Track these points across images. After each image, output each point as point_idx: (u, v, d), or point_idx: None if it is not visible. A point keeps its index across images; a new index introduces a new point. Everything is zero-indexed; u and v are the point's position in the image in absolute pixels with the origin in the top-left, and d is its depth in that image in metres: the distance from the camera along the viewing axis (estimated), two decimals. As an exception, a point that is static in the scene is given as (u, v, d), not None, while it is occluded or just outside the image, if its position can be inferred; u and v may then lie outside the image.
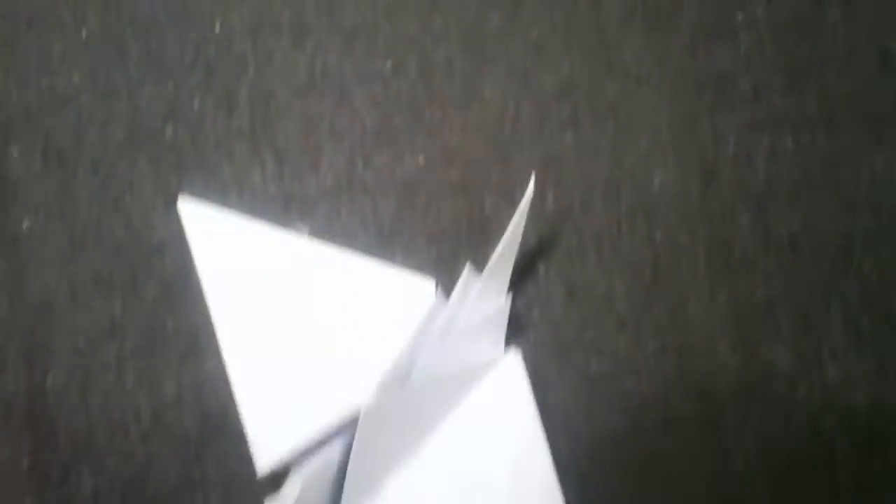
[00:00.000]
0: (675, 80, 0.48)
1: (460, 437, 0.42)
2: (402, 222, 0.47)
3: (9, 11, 0.49)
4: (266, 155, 0.48)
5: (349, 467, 0.37)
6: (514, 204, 0.41)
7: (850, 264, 0.46)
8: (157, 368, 0.46)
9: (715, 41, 0.48)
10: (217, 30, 0.49)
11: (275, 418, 0.41)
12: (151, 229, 0.47)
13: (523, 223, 0.41)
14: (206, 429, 0.45)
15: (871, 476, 0.44)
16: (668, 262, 0.46)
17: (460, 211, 0.47)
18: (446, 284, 0.43)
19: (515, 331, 0.45)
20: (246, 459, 0.42)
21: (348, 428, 0.40)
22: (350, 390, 0.40)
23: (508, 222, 0.40)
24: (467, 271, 0.42)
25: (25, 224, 0.47)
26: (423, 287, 0.43)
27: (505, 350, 0.44)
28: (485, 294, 0.42)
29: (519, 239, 0.42)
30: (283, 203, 0.47)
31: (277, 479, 0.41)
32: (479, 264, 0.42)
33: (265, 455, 0.40)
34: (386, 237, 0.47)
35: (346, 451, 0.39)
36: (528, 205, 0.41)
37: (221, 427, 0.45)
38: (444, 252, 0.47)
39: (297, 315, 0.43)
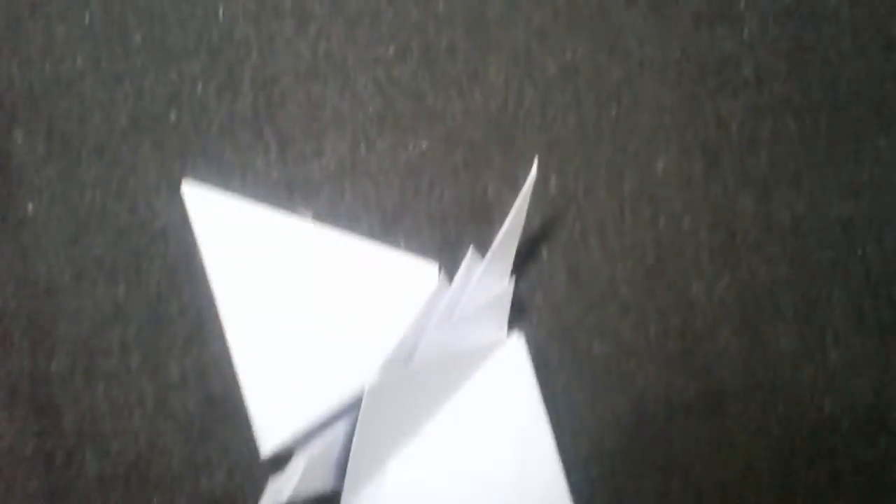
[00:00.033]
0: (677, 65, 0.48)
1: (463, 418, 0.42)
2: (405, 206, 0.47)
3: (12, -4, 0.49)
4: (269, 139, 0.48)
5: (353, 446, 0.38)
6: (516, 188, 0.41)
7: (853, 248, 0.46)
8: (161, 352, 0.46)
9: (718, 25, 0.48)
10: (220, 15, 0.49)
11: (278, 401, 0.41)
12: (155, 213, 0.47)
13: (526, 206, 0.41)
14: (209, 412, 0.45)
15: (873, 459, 0.44)
16: (671, 246, 0.46)
17: (463, 195, 0.47)
18: (449, 268, 0.44)
19: (518, 314, 0.45)
20: (250, 442, 0.42)
21: (351, 410, 0.40)
22: (353, 373, 0.40)
23: (511, 206, 0.40)
24: (470, 255, 0.42)
25: (30, 208, 0.47)
26: (426, 271, 0.43)
27: (508, 333, 0.44)
28: (488, 277, 0.42)
29: (522, 222, 0.42)
30: (286, 187, 0.47)
31: (281, 461, 0.41)
32: (483, 248, 0.42)
33: (269, 437, 0.40)
34: (389, 221, 0.47)
35: (349, 432, 0.39)
36: (531, 188, 0.41)
37: (225, 410, 0.45)
38: (448, 236, 0.47)
39: (301, 298, 0.43)
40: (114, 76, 0.49)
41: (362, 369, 0.40)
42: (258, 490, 0.38)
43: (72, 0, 0.49)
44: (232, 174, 0.47)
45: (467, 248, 0.42)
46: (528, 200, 0.41)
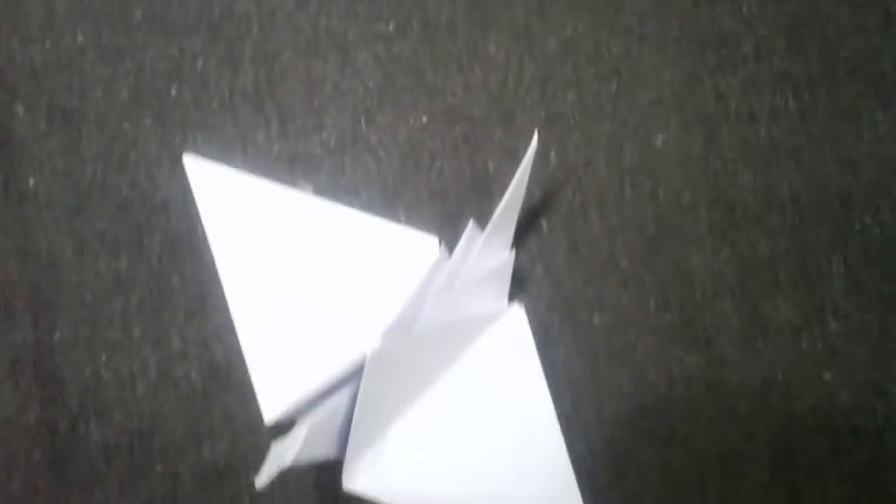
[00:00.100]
0: (677, 40, 0.48)
1: (464, 387, 0.42)
2: (405, 181, 0.47)
3: (13, -28, 0.49)
4: (270, 114, 0.48)
5: (355, 412, 0.38)
6: (517, 162, 0.41)
7: (852, 221, 0.46)
8: (164, 323, 0.46)
9: (717, 2, 0.49)
10: (221, -9, 0.49)
11: (280, 369, 0.41)
12: (156, 187, 0.47)
13: (527, 177, 0.41)
14: (212, 381, 0.45)
15: (872, 429, 0.44)
16: (670, 220, 0.47)
17: (464, 169, 0.47)
18: (450, 242, 0.44)
19: (519, 286, 0.45)
20: (252, 412, 0.42)
21: (353, 379, 0.40)
22: (355, 341, 0.40)
23: (511, 181, 0.40)
24: (471, 227, 0.42)
25: (31, 182, 0.47)
26: (426, 244, 0.43)
27: (509, 304, 0.44)
28: (488, 248, 0.42)
29: (523, 194, 0.42)
30: (287, 162, 0.48)
31: (283, 430, 0.41)
32: (483, 222, 0.42)
33: (271, 405, 0.40)
34: (390, 196, 0.47)
35: (351, 400, 0.39)
36: (531, 158, 0.41)
37: (228, 380, 0.45)
38: (448, 210, 0.47)
39: (302, 270, 0.43)
40: (115, 51, 0.49)
41: (364, 338, 0.40)
42: (261, 458, 0.38)
43: (73, -25, 0.49)
44: (233, 149, 0.48)
45: (467, 221, 0.42)
46: (528, 171, 0.41)
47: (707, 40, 0.48)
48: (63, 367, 0.46)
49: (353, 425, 0.38)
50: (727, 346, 0.45)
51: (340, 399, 0.40)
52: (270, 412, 0.40)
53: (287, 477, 0.42)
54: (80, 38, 0.49)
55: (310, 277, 0.43)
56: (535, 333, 0.43)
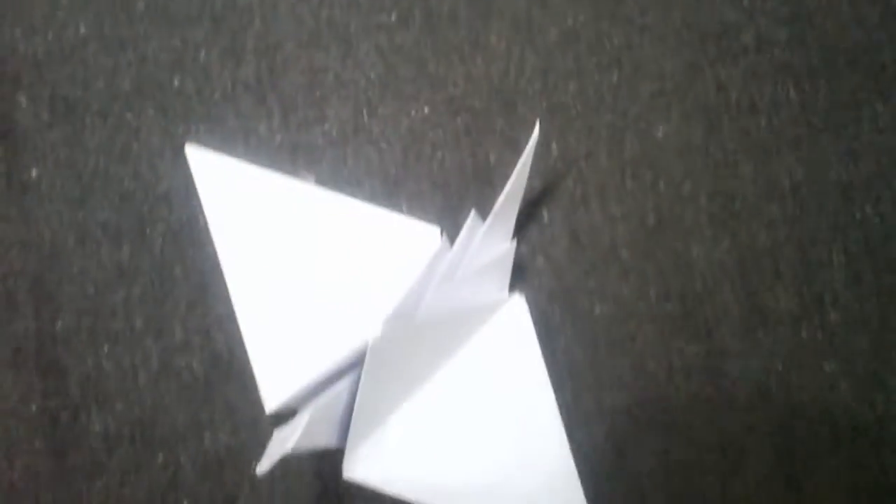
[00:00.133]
0: (678, 31, 0.48)
1: (465, 376, 0.42)
2: (407, 171, 0.48)
3: (16, -37, 0.49)
4: (272, 105, 0.48)
5: (357, 399, 0.38)
6: (518, 153, 0.41)
7: (852, 211, 0.47)
8: (166, 313, 0.46)
9: (718, -7, 0.49)
10: (223, -18, 0.49)
11: (282, 359, 0.41)
12: (158, 178, 0.47)
13: (528, 167, 0.41)
14: (213, 372, 0.45)
15: (872, 419, 0.44)
16: (671, 210, 0.47)
17: (465, 160, 0.48)
18: (451, 233, 0.44)
19: (520, 276, 0.45)
20: (253, 401, 0.42)
21: (354, 368, 0.40)
22: (356, 330, 0.40)
23: (513, 172, 0.40)
24: (472, 217, 0.42)
25: (34, 172, 0.47)
26: (428, 233, 0.43)
27: (510, 294, 0.44)
28: (490, 237, 0.42)
29: (524, 183, 0.42)
30: (289, 153, 0.48)
31: (284, 420, 0.42)
32: (484, 213, 0.42)
33: (273, 394, 0.40)
34: (391, 186, 0.48)
35: (352, 389, 0.39)
36: (533, 148, 0.41)
37: (229, 370, 0.45)
38: (450, 201, 0.47)
39: (304, 260, 0.43)
40: (117, 42, 0.49)
41: (365, 327, 0.40)
42: (262, 448, 0.38)
43: (76, -34, 0.49)
44: (235, 140, 0.48)
45: (469, 212, 0.42)
46: (530, 161, 0.41)
47: (708, 31, 0.48)
48: (65, 357, 0.46)
49: (354, 414, 0.38)
50: (727, 337, 0.45)
51: (342, 388, 0.40)
52: (271, 402, 0.40)
53: (288, 467, 0.42)
54: (82, 29, 0.49)
55: (311, 267, 0.43)
56: (536, 323, 0.44)
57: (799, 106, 0.48)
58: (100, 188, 0.47)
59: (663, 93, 0.48)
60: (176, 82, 0.48)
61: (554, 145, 0.47)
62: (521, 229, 0.45)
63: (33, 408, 0.45)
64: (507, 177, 0.41)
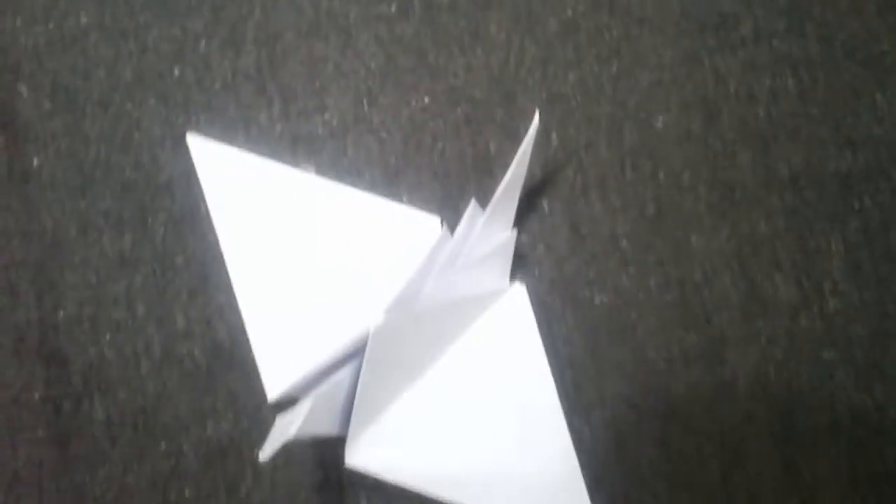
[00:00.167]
0: (677, 22, 0.49)
1: (465, 364, 0.42)
2: (407, 162, 0.48)
3: (16, -46, 0.49)
4: (272, 95, 0.48)
5: (359, 386, 0.38)
6: (518, 143, 0.41)
7: (851, 201, 0.47)
8: (167, 302, 0.46)
9: (717, -17, 0.49)
10: (223, -28, 0.49)
11: (284, 347, 0.41)
12: (160, 167, 0.47)
13: (528, 155, 0.41)
14: (216, 360, 0.46)
15: (870, 407, 0.45)
16: (670, 200, 0.47)
17: (465, 150, 0.48)
18: (451, 223, 0.44)
19: (520, 266, 0.46)
20: (256, 391, 0.42)
21: (356, 356, 0.40)
22: (357, 319, 0.40)
23: (513, 161, 0.41)
24: (472, 206, 0.42)
25: (35, 162, 0.48)
26: (428, 223, 0.43)
27: (510, 283, 0.44)
28: (490, 227, 0.42)
29: (524, 172, 0.42)
30: (289, 142, 0.48)
31: (286, 409, 0.42)
32: (484, 203, 0.42)
33: (275, 383, 0.41)
34: (392, 176, 0.48)
35: (354, 378, 0.40)
36: (533, 137, 0.41)
37: (231, 359, 0.45)
38: (450, 191, 0.47)
39: (305, 249, 0.43)
40: (118, 32, 0.49)
41: (366, 316, 0.40)
42: (264, 436, 0.38)
43: (76, -44, 0.49)
44: (235, 129, 0.48)
45: (469, 202, 0.43)
46: (530, 149, 0.41)
47: (707, 22, 0.49)
48: (67, 346, 0.46)
49: (355, 401, 0.39)
50: (727, 325, 0.45)
51: (343, 376, 0.40)
52: (274, 390, 0.41)
53: (289, 455, 0.43)
54: (83, 19, 0.49)
55: (313, 256, 0.43)
56: (536, 313, 0.44)
57: (797, 96, 0.48)
58: (101, 178, 0.47)
59: (662, 83, 0.48)
60: (176, 72, 0.48)
61: (554, 135, 0.47)
62: (521, 219, 0.45)
63: (36, 397, 0.45)
64: (507, 167, 0.41)
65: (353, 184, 0.45)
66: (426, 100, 0.48)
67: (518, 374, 0.43)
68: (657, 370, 0.45)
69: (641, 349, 0.45)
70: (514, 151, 0.41)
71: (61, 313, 0.46)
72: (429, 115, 0.48)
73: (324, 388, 0.40)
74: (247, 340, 0.42)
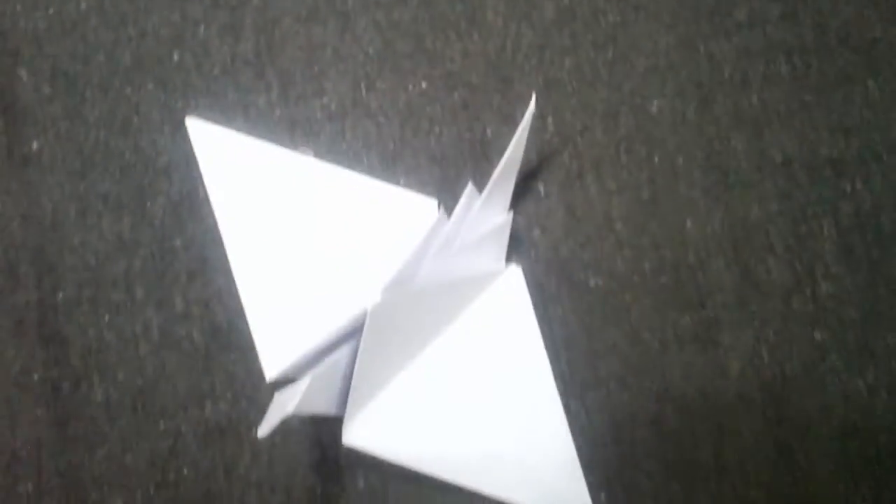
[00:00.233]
0: (672, 8, 0.49)
1: (462, 344, 0.43)
2: (404, 145, 0.48)
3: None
4: (271, 80, 0.49)
5: (356, 364, 0.38)
6: (514, 128, 0.42)
7: (843, 185, 0.47)
8: (166, 284, 0.47)
9: (712, -30, 0.49)
10: (222, -41, 0.49)
11: (282, 328, 0.42)
12: (158, 151, 0.48)
13: (525, 138, 0.42)
14: (214, 341, 0.46)
15: (862, 388, 0.45)
16: (665, 184, 0.47)
17: (462, 135, 0.48)
18: (449, 206, 0.44)
19: (517, 249, 0.46)
20: (253, 372, 0.43)
21: (353, 337, 0.40)
22: (355, 299, 0.40)
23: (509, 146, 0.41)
24: (469, 188, 0.43)
25: (35, 145, 0.48)
26: (426, 206, 0.44)
27: (506, 265, 0.44)
28: (487, 209, 0.43)
29: (521, 154, 0.43)
30: (288, 127, 0.48)
31: (284, 387, 0.42)
32: (481, 186, 0.42)
33: (273, 363, 0.41)
34: (389, 160, 0.48)
35: (351, 357, 0.40)
36: (529, 120, 0.41)
37: (229, 341, 0.46)
38: (447, 174, 0.48)
39: (303, 232, 0.44)
40: (118, 17, 0.49)
41: (363, 296, 0.40)
42: (262, 417, 0.38)
43: (76, -60, 0.49)
44: (234, 113, 0.48)
45: (466, 186, 0.43)
46: (527, 132, 0.42)
47: (701, 8, 0.49)
48: (67, 328, 0.46)
49: (353, 380, 0.39)
50: (720, 308, 0.46)
51: (341, 356, 0.41)
52: (272, 370, 0.41)
53: (287, 434, 0.43)
54: (83, 4, 0.49)
55: (311, 238, 0.44)
56: (532, 294, 0.44)
57: (791, 82, 0.48)
58: (100, 161, 0.48)
59: (657, 69, 0.48)
60: (176, 57, 0.49)
61: (550, 120, 0.48)
62: (517, 202, 0.46)
63: (35, 377, 0.46)
64: (503, 151, 0.41)
65: (351, 167, 0.45)
66: (423, 84, 0.49)
67: (514, 355, 0.44)
68: (651, 352, 0.46)
69: (636, 331, 0.46)
70: (511, 136, 0.41)
71: (60, 295, 0.47)
72: (426, 99, 0.48)
73: (322, 367, 0.40)
74: (244, 322, 0.42)
